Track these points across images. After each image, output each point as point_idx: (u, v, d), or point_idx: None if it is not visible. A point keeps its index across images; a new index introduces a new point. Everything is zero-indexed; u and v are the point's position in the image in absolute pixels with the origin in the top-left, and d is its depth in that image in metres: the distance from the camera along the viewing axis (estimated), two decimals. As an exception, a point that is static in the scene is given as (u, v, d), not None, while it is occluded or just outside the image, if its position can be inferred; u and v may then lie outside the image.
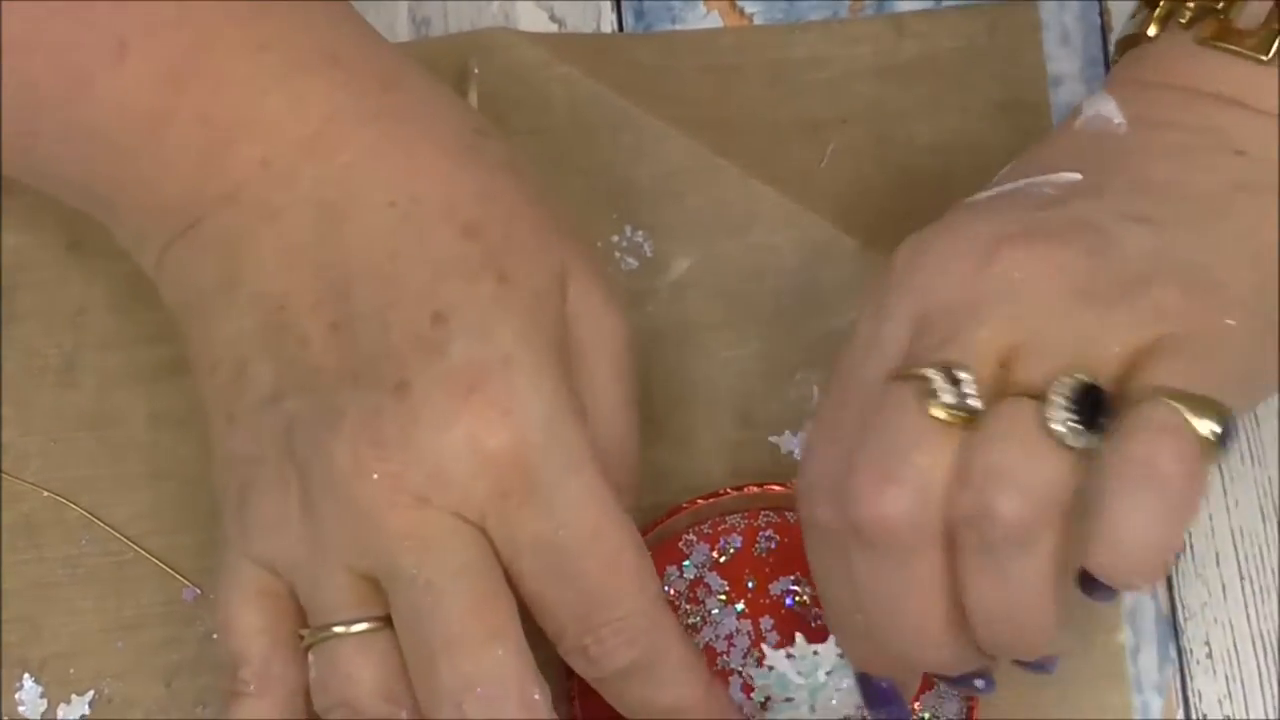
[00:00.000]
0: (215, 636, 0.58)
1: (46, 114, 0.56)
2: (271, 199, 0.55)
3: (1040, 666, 0.55)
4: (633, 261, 0.66)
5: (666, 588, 0.60)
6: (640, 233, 0.66)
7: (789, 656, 0.60)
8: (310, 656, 0.55)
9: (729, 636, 0.61)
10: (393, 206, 0.55)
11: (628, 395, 0.58)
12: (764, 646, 0.60)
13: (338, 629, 0.54)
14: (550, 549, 0.53)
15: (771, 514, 0.62)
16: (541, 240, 0.56)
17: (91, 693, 0.63)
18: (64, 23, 0.55)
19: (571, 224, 0.58)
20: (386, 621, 0.54)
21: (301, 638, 0.55)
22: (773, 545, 0.62)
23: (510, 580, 0.54)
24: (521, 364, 0.53)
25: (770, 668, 0.60)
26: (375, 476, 0.53)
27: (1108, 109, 0.56)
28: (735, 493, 0.62)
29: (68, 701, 0.63)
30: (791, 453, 0.64)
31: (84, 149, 0.57)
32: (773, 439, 0.65)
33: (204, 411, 0.57)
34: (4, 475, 0.64)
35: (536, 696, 0.53)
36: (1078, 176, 0.54)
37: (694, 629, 0.61)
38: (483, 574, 0.53)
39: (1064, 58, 0.69)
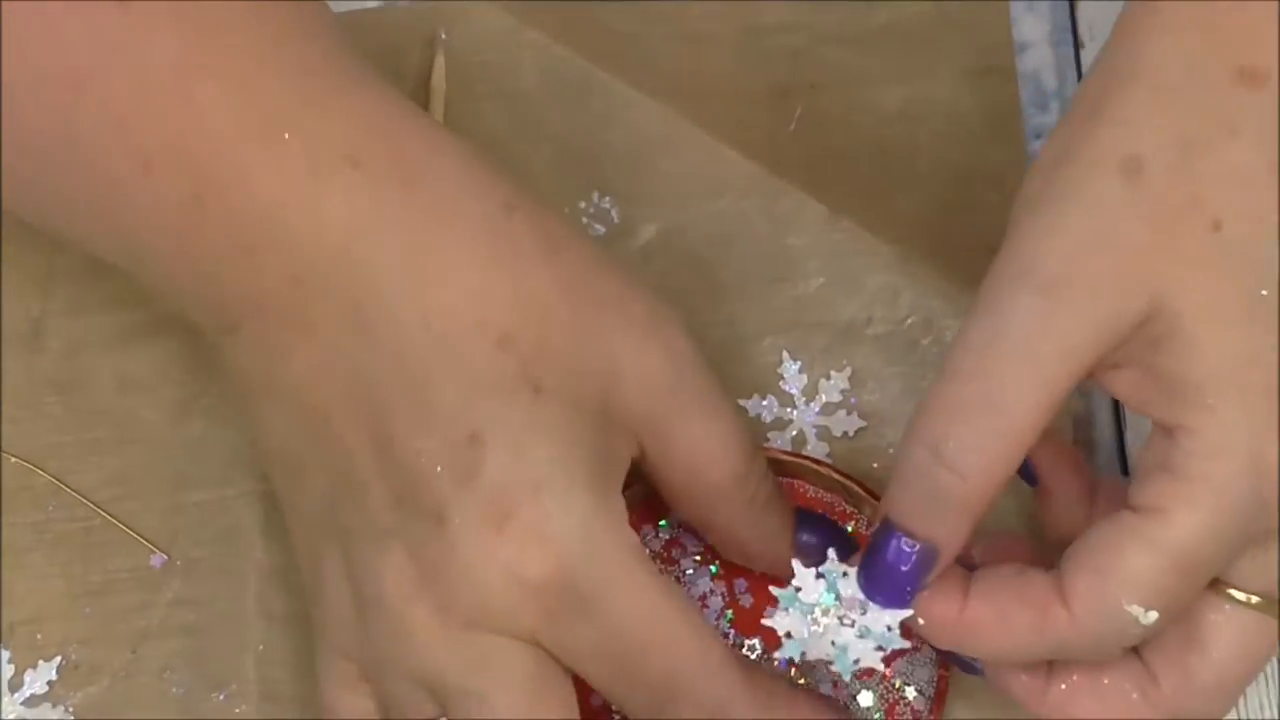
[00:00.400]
0: None
1: (82, 214, 0.56)
2: (303, 314, 0.55)
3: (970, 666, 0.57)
4: (600, 228, 0.66)
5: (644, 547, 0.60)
6: (608, 199, 0.66)
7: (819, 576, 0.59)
8: None
9: (703, 597, 0.61)
10: (424, 320, 0.54)
11: (730, 417, 0.58)
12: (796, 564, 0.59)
13: None
14: (607, 657, 0.55)
15: None
16: (578, 339, 0.56)
17: (59, 658, 0.63)
18: (94, 133, 0.54)
19: (624, 288, 0.57)
20: None
21: None
22: None
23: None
24: (554, 486, 0.54)
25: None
26: (423, 603, 0.54)
27: None
28: None
29: (34, 667, 0.63)
30: (759, 416, 0.64)
31: (120, 245, 0.56)
32: (741, 403, 0.65)
33: (276, 494, 0.59)
34: (-29, 441, 0.64)
35: None
36: None
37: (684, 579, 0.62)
38: (535, 680, 0.55)
39: (1030, 23, 0.69)
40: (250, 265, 0.54)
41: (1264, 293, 0.52)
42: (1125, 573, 0.53)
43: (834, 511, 0.62)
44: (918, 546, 0.55)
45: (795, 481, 0.62)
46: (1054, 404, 0.53)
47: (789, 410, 0.64)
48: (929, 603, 0.56)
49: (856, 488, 0.61)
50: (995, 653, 0.56)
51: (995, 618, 0.55)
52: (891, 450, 0.64)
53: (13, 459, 0.64)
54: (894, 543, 0.55)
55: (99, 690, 0.63)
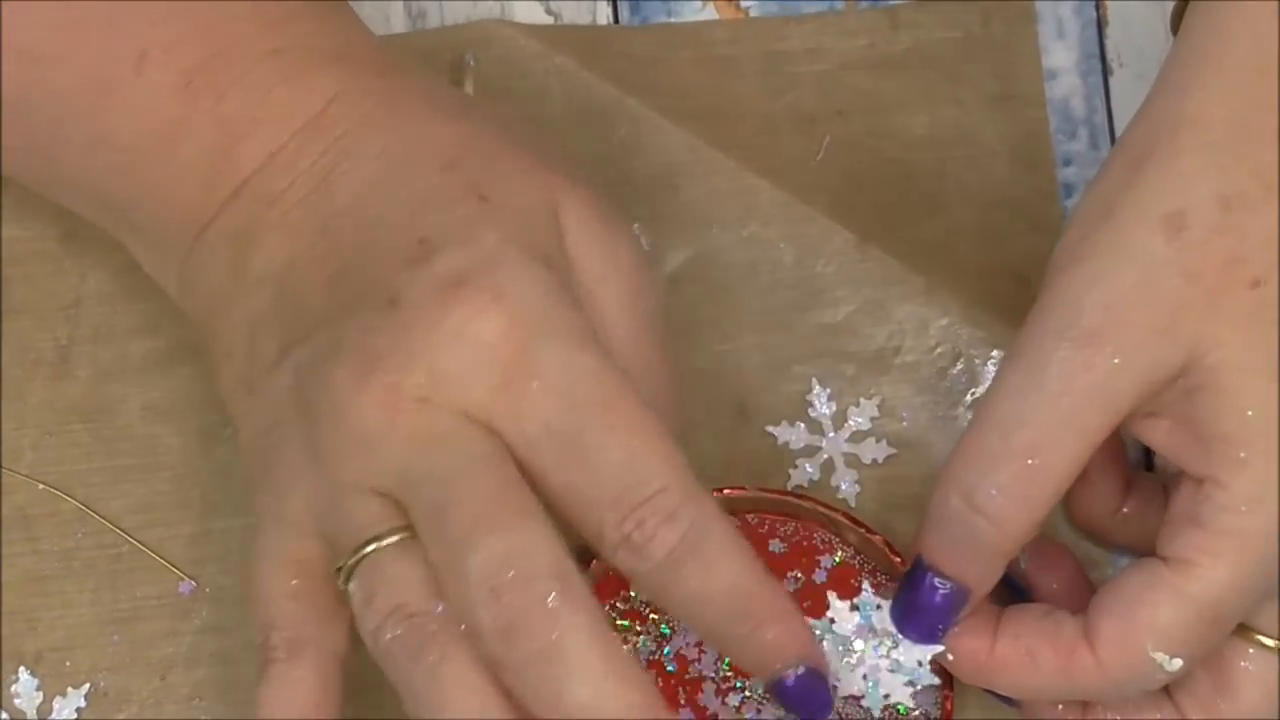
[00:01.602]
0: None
1: (71, 125, 0.57)
2: (275, 185, 0.56)
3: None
4: (629, 254, 0.66)
5: (632, 598, 0.61)
6: (636, 225, 0.66)
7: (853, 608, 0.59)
8: (351, 587, 0.53)
9: (699, 644, 0.61)
10: (378, 158, 0.56)
11: (645, 318, 0.57)
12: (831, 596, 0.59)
13: (371, 546, 0.52)
14: (565, 434, 0.51)
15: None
16: (525, 168, 0.56)
17: (87, 686, 0.63)
18: (89, 34, 0.56)
19: (571, 166, 0.57)
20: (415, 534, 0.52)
21: (337, 575, 0.53)
22: None
23: (535, 484, 0.52)
24: (507, 257, 0.53)
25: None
26: (375, 391, 0.52)
27: None
28: None
29: (64, 694, 0.63)
30: (788, 443, 0.64)
31: (105, 159, 0.57)
32: (770, 429, 0.65)
33: (229, 408, 0.57)
34: (-1, 468, 0.64)
35: (574, 573, 0.51)
36: None
37: (664, 638, 0.61)
38: (498, 463, 0.52)
39: (1059, 51, 0.69)
40: (234, 145, 0.56)
41: None
42: (1152, 622, 0.54)
43: (818, 544, 0.62)
44: (950, 586, 0.56)
45: (775, 518, 0.62)
46: (1089, 452, 0.54)
47: (818, 438, 0.65)
48: (959, 640, 0.57)
49: (840, 517, 0.61)
50: (1022, 692, 0.57)
51: (1023, 658, 0.56)
52: (928, 479, 0.64)
53: (40, 485, 0.64)
54: (927, 581, 0.56)
55: (128, 718, 0.63)
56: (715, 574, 0.52)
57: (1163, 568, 0.54)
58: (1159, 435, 0.55)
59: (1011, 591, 0.59)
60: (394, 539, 0.52)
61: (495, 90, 0.67)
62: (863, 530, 0.61)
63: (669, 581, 0.52)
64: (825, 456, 0.64)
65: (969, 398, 0.64)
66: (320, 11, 0.59)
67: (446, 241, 0.53)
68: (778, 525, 0.62)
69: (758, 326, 0.65)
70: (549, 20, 0.69)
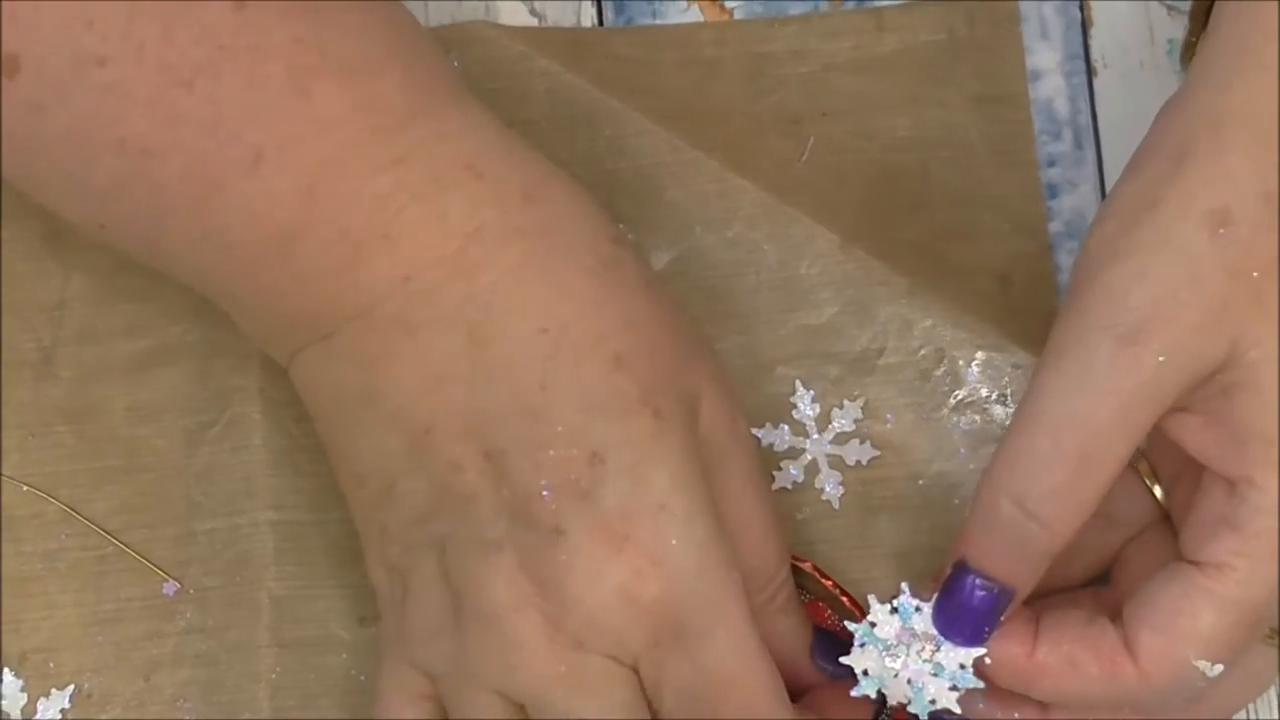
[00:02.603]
0: None
1: (175, 218, 0.55)
2: (412, 316, 0.54)
3: None
4: (613, 255, 0.66)
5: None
6: (620, 226, 0.66)
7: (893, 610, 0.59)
8: None
9: None
10: (543, 334, 0.54)
11: (769, 508, 0.58)
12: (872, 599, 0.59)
13: None
14: (692, 696, 0.54)
15: None
16: (681, 370, 0.56)
17: (71, 687, 0.63)
18: (199, 130, 0.53)
19: (699, 335, 0.58)
20: None
21: None
22: None
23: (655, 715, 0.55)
24: (674, 513, 0.54)
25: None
26: (533, 614, 0.53)
27: None
28: None
29: (47, 695, 0.63)
30: (772, 445, 0.64)
31: (212, 255, 0.55)
32: (754, 432, 0.65)
33: (355, 517, 0.58)
34: (-18, 470, 0.64)
35: None
36: None
37: None
38: (632, 712, 0.55)
39: (1043, 51, 0.69)
40: (361, 263, 0.54)
41: None
42: (1194, 631, 0.54)
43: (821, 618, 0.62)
44: (996, 587, 0.56)
45: None
46: (1134, 448, 0.54)
47: (802, 439, 0.65)
48: (999, 644, 0.57)
49: (841, 596, 0.61)
50: (1062, 698, 0.57)
51: (1064, 665, 0.56)
52: (922, 482, 0.64)
53: (24, 487, 0.64)
54: (970, 583, 0.56)
55: (111, 719, 0.63)
56: None
57: (1197, 574, 0.54)
58: (1189, 432, 0.55)
59: None
60: None
61: (479, 92, 0.66)
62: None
63: None
64: (809, 458, 0.64)
65: (953, 399, 0.64)
66: (444, 104, 0.56)
67: (618, 469, 0.53)
68: None
69: (741, 328, 0.65)
70: (533, 21, 0.69)
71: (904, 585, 0.57)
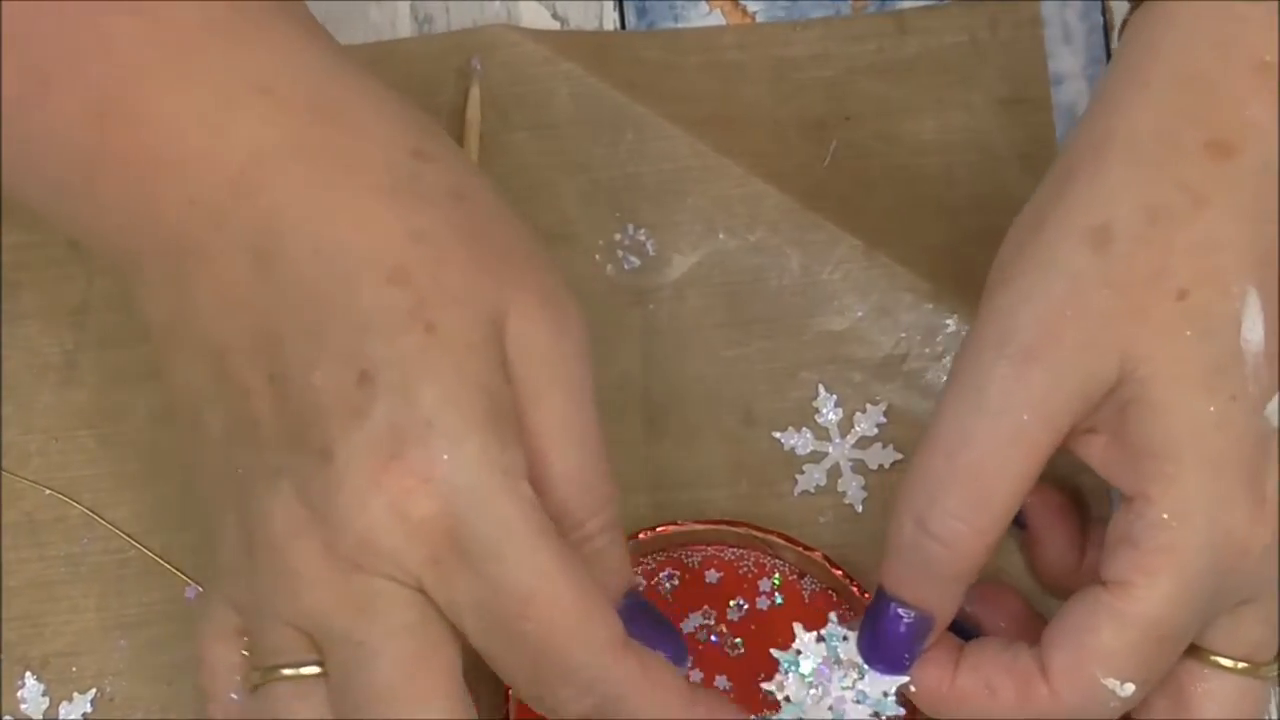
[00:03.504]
0: None
1: (6, 146, 0.55)
2: (202, 241, 0.53)
3: None
4: (635, 260, 0.66)
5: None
6: (643, 231, 0.66)
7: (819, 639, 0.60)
8: (252, 700, 0.54)
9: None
10: (317, 254, 0.53)
11: (587, 424, 0.55)
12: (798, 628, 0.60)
13: (283, 670, 0.53)
14: (486, 612, 0.52)
15: (660, 555, 0.63)
16: (474, 282, 0.53)
17: (94, 691, 0.63)
18: None
19: (524, 249, 0.55)
20: (325, 670, 0.53)
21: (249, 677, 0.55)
22: (675, 584, 0.63)
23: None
24: (443, 428, 0.51)
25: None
26: (310, 541, 0.52)
27: None
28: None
29: (70, 700, 0.63)
30: (794, 449, 0.64)
31: (38, 184, 0.55)
32: (776, 435, 0.65)
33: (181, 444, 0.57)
34: (5, 474, 0.64)
35: None
36: None
37: None
38: (418, 635, 0.52)
39: (1066, 55, 0.69)
40: (153, 188, 0.53)
41: (1226, 361, 0.53)
42: (1098, 648, 0.54)
43: (755, 568, 0.62)
44: (913, 615, 0.56)
45: (713, 547, 0.62)
46: (1035, 469, 0.54)
47: (824, 444, 0.65)
48: (922, 671, 0.57)
49: (775, 538, 0.62)
50: None
51: (982, 690, 0.56)
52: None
53: (47, 491, 0.64)
54: (890, 611, 0.56)
55: (134, 723, 0.63)
56: None
57: (1103, 593, 0.54)
58: (1096, 452, 0.55)
59: (959, 635, 0.59)
60: (299, 671, 0.53)
61: (502, 95, 0.67)
62: (799, 548, 0.61)
63: None
64: (832, 462, 0.64)
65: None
66: (247, 26, 0.55)
67: (387, 388, 0.52)
68: (714, 556, 0.62)
69: (764, 333, 0.65)
70: (555, 24, 0.69)
71: (831, 615, 0.58)
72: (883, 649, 0.57)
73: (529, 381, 0.54)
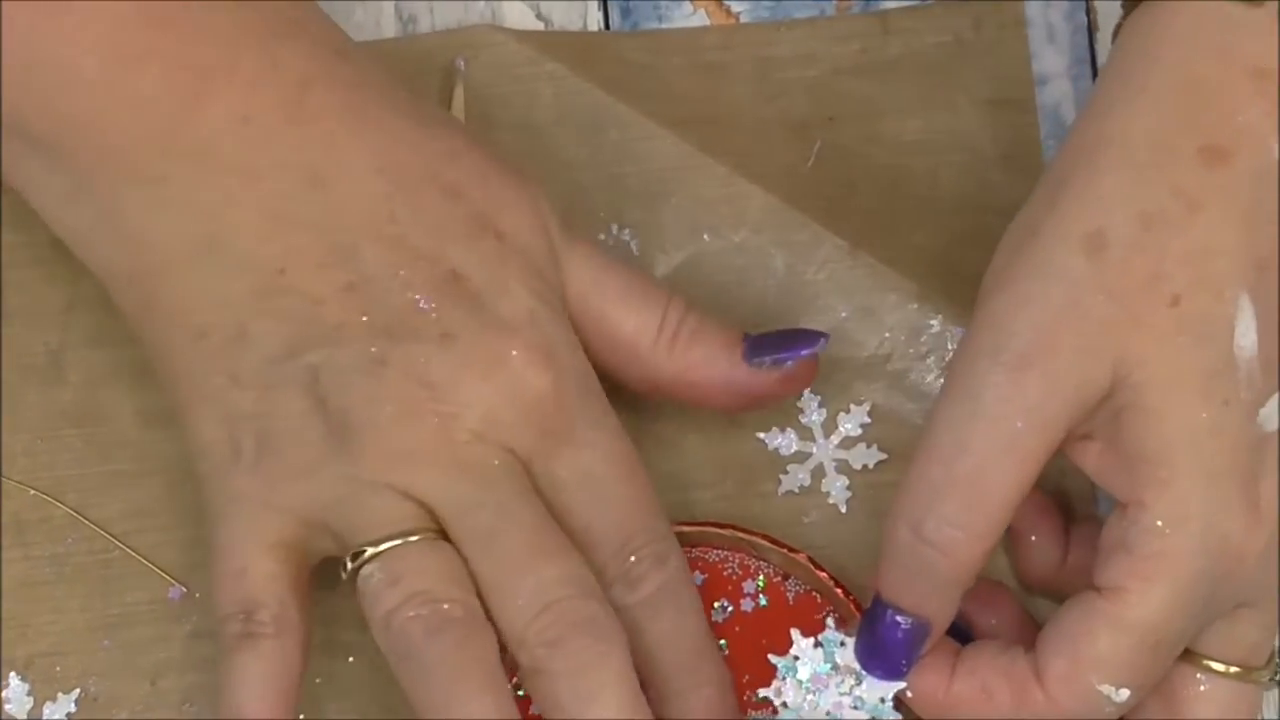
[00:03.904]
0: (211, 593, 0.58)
1: (8, 37, 0.55)
2: (251, 161, 0.56)
3: None
4: (620, 260, 0.66)
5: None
6: (626, 231, 0.66)
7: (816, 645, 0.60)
8: (368, 569, 0.56)
9: None
10: (380, 173, 0.57)
11: (608, 261, 0.61)
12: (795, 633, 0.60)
13: (396, 540, 0.55)
14: (594, 480, 0.57)
15: None
16: (514, 189, 0.59)
17: (77, 691, 0.63)
18: None
19: (520, 164, 0.61)
20: (443, 535, 0.56)
21: (345, 566, 0.56)
22: None
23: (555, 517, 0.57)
24: (546, 318, 0.58)
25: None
26: (430, 418, 0.56)
27: None
28: None
29: (54, 700, 0.63)
30: (778, 449, 0.65)
31: (42, 81, 0.55)
32: (760, 436, 0.65)
33: (181, 376, 0.58)
34: (-10, 474, 0.64)
35: (610, 610, 0.56)
36: None
37: None
38: (537, 502, 0.57)
39: (1050, 56, 0.69)
40: (204, 95, 0.55)
41: (1220, 367, 0.53)
42: (1094, 655, 0.54)
43: (739, 570, 0.62)
44: (910, 621, 0.56)
45: (699, 549, 0.63)
46: (1031, 475, 0.54)
47: (809, 444, 0.65)
48: (919, 677, 0.57)
49: (760, 540, 0.62)
50: None
51: (978, 695, 0.56)
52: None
53: (31, 491, 0.64)
54: (887, 617, 0.57)
55: (118, 723, 0.63)
56: (685, 620, 0.58)
57: (1098, 598, 0.54)
58: (1091, 458, 0.55)
59: (953, 634, 0.59)
60: (421, 538, 0.56)
61: (486, 95, 0.67)
62: (784, 550, 0.61)
63: (648, 617, 0.57)
64: (816, 462, 0.65)
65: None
66: None
67: (484, 283, 0.57)
68: (699, 558, 0.62)
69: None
70: (539, 24, 0.69)
71: (829, 620, 0.58)
72: (880, 655, 0.57)
73: (562, 249, 0.60)
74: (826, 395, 0.65)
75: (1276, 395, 0.54)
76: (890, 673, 0.57)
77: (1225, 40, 0.55)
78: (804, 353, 0.61)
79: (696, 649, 0.58)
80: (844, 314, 0.65)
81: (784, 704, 0.59)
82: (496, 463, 0.56)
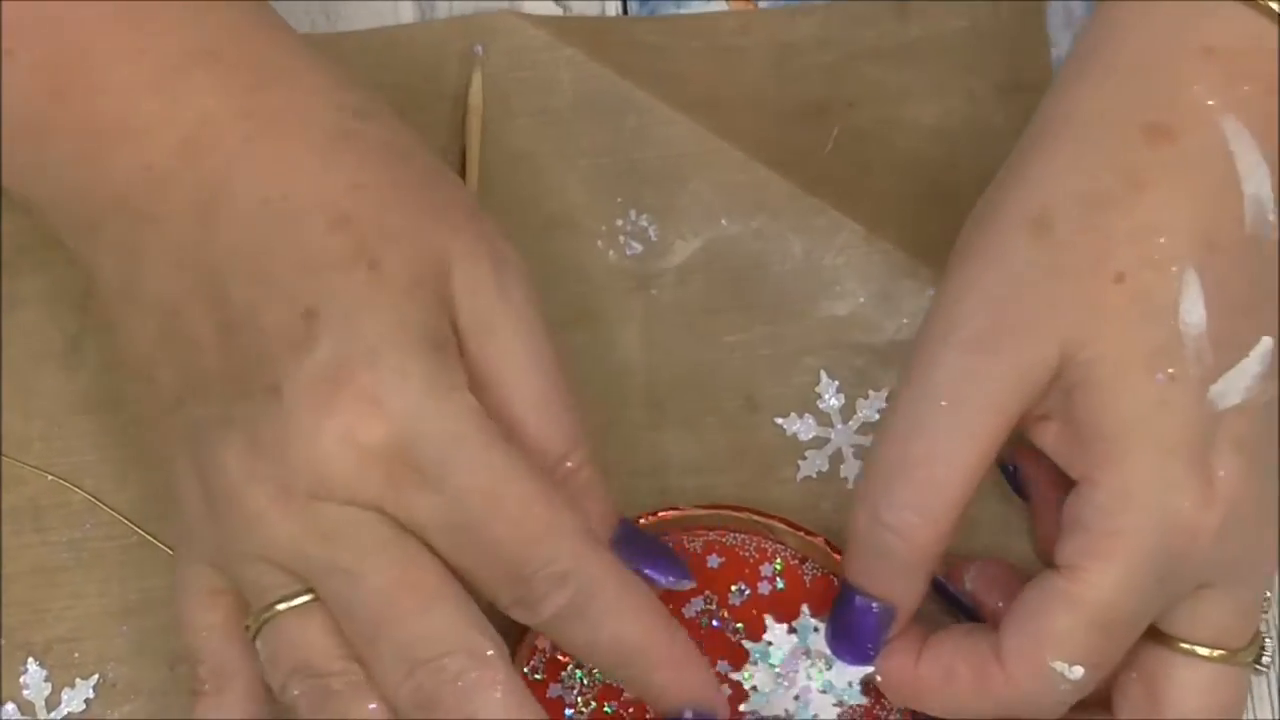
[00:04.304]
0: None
1: None
2: (153, 205, 0.55)
3: None
4: (637, 246, 0.66)
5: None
6: (645, 216, 0.66)
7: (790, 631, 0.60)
8: (257, 644, 0.55)
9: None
10: (264, 204, 0.54)
11: (545, 353, 0.56)
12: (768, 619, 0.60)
13: (277, 606, 0.54)
14: (454, 527, 0.53)
15: (663, 539, 0.62)
16: (416, 225, 0.55)
17: (96, 676, 0.63)
18: None
19: (463, 203, 0.57)
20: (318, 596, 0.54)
21: (247, 628, 0.55)
22: None
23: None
24: (387, 355, 0.53)
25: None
26: (265, 483, 0.53)
27: None
28: None
29: (72, 685, 0.63)
30: (796, 434, 0.64)
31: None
32: (779, 421, 0.65)
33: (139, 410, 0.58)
34: (7, 459, 0.64)
35: (488, 649, 0.53)
36: None
37: None
38: (398, 547, 0.53)
39: (1067, 41, 0.69)
40: (106, 154, 0.55)
41: (1166, 343, 0.53)
42: (1049, 632, 0.54)
43: (757, 553, 0.62)
44: (878, 605, 0.56)
45: (715, 532, 0.62)
46: (986, 456, 0.54)
47: (827, 429, 0.65)
48: (886, 660, 0.58)
49: (777, 523, 0.62)
50: (946, 710, 0.57)
51: (942, 676, 0.56)
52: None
53: (49, 476, 0.64)
54: (855, 602, 0.57)
55: (136, 709, 0.63)
56: (601, 629, 0.54)
57: (1056, 576, 0.54)
58: (1050, 439, 0.55)
59: (962, 613, 0.59)
60: (297, 602, 0.54)
61: (504, 81, 0.67)
62: (801, 533, 0.61)
63: (560, 635, 0.54)
64: (834, 448, 0.64)
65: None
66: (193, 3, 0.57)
67: (331, 323, 0.53)
68: (716, 541, 0.62)
69: (766, 318, 0.65)
70: (558, 11, 0.69)
71: (804, 606, 0.59)
72: (848, 640, 0.58)
73: (480, 315, 0.55)
74: (844, 380, 0.65)
75: (1230, 373, 0.53)
76: (858, 657, 0.58)
77: (1177, 19, 0.55)
78: (662, 581, 0.58)
79: (623, 649, 0.55)
80: (862, 299, 0.65)
81: (754, 688, 0.60)
82: (341, 520, 0.53)
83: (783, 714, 0.59)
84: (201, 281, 0.54)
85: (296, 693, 0.54)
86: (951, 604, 0.60)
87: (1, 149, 0.56)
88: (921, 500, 0.55)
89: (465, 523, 0.53)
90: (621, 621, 0.54)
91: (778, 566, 0.62)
